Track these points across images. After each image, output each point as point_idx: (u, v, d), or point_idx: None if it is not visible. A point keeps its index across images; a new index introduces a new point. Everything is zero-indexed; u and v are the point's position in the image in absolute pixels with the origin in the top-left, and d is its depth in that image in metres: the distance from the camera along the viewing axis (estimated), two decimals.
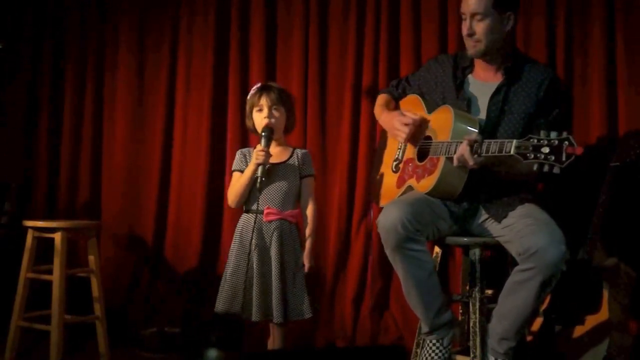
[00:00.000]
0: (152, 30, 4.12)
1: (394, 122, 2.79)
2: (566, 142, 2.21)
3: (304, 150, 3.07)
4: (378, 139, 3.59)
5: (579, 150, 2.20)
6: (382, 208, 2.68)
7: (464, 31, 2.67)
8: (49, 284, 3.25)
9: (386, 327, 3.56)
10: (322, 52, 3.77)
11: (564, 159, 2.20)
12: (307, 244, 2.95)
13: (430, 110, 2.79)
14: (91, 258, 3.40)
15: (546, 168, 2.24)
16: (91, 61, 4.20)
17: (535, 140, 2.25)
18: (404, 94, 2.99)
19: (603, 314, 2.73)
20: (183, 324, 3.76)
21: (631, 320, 2.87)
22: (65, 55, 4.25)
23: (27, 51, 4.24)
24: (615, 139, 3.12)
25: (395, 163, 2.90)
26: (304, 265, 2.93)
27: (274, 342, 2.98)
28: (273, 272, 2.86)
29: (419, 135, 2.78)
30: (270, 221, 2.90)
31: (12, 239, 3.67)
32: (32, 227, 3.32)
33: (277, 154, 2.98)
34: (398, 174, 2.85)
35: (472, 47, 2.69)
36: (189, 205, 3.96)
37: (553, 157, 2.21)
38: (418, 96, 2.89)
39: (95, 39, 4.20)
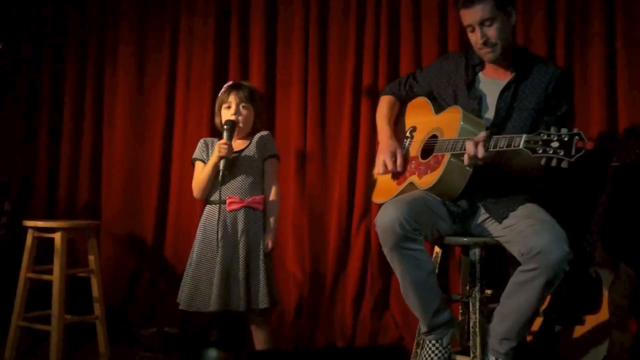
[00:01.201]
0: (152, 30, 4.12)
1: (380, 155, 2.84)
2: (577, 137, 2.21)
3: (263, 133, 3.03)
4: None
5: (589, 145, 2.19)
6: (380, 207, 2.68)
7: (478, 41, 2.65)
8: (49, 284, 3.25)
9: (386, 327, 3.56)
10: (322, 52, 3.77)
11: (573, 152, 2.20)
12: (270, 225, 2.94)
13: (438, 111, 2.81)
14: (91, 258, 3.40)
15: (554, 162, 2.23)
16: (91, 61, 4.21)
17: (546, 136, 2.25)
18: (411, 92, 2.98)
19: (603, 314, 2.73)
20: (183, 324, 3.76)
21: (631, 320, 2.87)
22: (65, 55, 4.25)
23: (27, 51, 4.25)
24: (616, 139, 3.12)
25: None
26: (268, 251, 2.91)
27: (258, 342, 2.98)
28: (240, 261, 2.84)
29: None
30: (233, 210, 2.89)
31: (12, 239, 3.67)
32: (32, 227, 3.33)
33: (237, 144, 2.97)
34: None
35: (489, 54, 2.68)
36: (189, 205, 3.95)
37: (562, 152, 2.21)
38: (426, 98, 2.89)
39: (96, 39, 4.21)
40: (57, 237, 3.25)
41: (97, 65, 4.20)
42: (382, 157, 2.84)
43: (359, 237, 3.65)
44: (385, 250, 2.58)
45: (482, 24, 2.63)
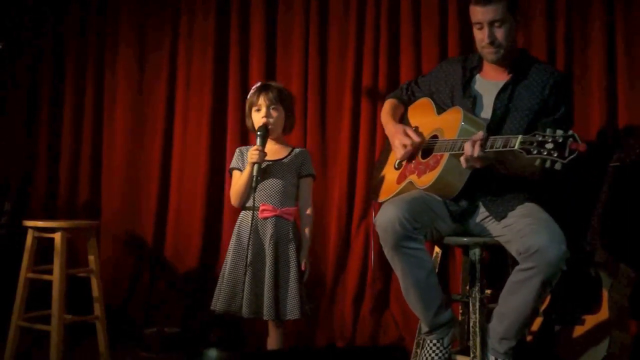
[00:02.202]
0: (152, 30, 4.12)
1: (395, 140, 2.83)
2: (571, 139, 2.21)
3: (302, 149, 3.07)
4: (378, 140, 3.60)
5: (582, 147, 2.19)
6: (381, 206, 2.68)
7: (484, 40, 2.67)
8: (49, 284, 3.25)
9: (386, 327, 3.56)
10: (322, 52, 3.77)
11: (566, 154, 2.20)
12: (305, 239, 2.95)
13: (439, 112, 2.81)
14: (91, 258, 3.40)
15: (548, 164, 2.24)
16: (91, 61, 4.21)
17: (541, 137, 2.26)
18: (413, 97, 3.00)
19: (603, 314, 2.73)
20: (183, 324, 3.76)
21: (631, 320, 2.87)
22: (65, 55, 4.25)
23: (27, 51, 4.25)
24: (616, 139, 3.12)
25: (398, 161, 2.91)
26: (303, 265, 2.93)
27: (272, 342, 2.98)
28: (266, 269, 2.85)
29: (418, 149, 2.80)
30: (265, 218, 2.90)
31: (12, 239, 3.67)
32: (32, 227, 3.32)
33: (275, 151, 2.98)
34: (400, 170, 2.86)
35: (492, 54, 2.69)
36: (189, 205, 3.96)
37: (556, 153, 2.21)
38: (429, 99, 2.90)
39: (95, 39, 4.21)
40: (57, 237, 3.25)
41: (97, 65, 4.20)
42: (397, 141, 2.82)
43: (359, 237, 3.65)
44: (386, 250, 2.58)
45: (491, 24, 2.64)
